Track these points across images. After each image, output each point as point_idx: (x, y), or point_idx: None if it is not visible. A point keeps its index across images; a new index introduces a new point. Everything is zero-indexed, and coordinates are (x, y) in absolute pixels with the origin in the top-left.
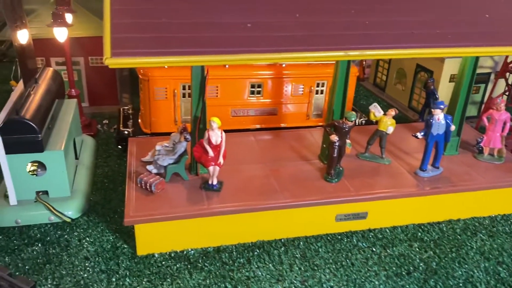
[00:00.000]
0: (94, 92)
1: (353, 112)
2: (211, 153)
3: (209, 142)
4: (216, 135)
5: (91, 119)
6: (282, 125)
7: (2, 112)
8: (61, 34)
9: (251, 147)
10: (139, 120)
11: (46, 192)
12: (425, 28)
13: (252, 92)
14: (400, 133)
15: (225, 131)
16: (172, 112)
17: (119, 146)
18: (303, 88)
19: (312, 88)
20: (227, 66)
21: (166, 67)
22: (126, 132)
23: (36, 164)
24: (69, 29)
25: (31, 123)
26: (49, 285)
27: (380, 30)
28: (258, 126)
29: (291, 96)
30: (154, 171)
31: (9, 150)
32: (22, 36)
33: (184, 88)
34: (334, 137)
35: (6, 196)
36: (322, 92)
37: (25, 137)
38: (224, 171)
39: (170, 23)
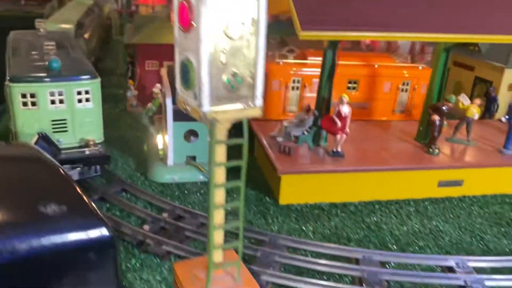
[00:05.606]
0: None
1: (453, 95)
2: (339, 123)
3: (338, 114)
4: (345, 108)
5: None
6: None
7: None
8: None
9: (356, 131)
10: None
11: (193, 157)
12: None
13: (349, 88)
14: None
15: None
16: (282, 101)
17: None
18: (390, 86)
19: (399, 86)
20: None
21: (281, 63)
22: None
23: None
24: None
25: None
26: None
27: None
28: None
29: (381, 93)
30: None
31: (175, 118)
32: None
33: (293, 81)
34: (436, 117)
35: (160, 159)
36: (406, 90)
37: None
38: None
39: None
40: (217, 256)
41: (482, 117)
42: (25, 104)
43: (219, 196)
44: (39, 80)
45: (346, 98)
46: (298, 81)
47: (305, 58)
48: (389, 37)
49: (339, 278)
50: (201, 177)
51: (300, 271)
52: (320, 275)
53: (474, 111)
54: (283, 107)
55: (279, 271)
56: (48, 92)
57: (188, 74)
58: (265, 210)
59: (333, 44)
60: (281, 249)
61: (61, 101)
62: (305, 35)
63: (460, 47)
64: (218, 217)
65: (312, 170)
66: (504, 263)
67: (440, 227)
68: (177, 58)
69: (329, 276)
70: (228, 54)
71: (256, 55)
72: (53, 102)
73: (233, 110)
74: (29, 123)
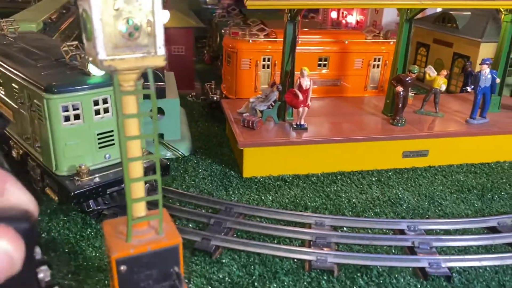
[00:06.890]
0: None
1: (416, 66)
2: (301, 96)
3: (300, 87)
4: (306, 81)
5: None
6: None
7: None
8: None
9: (325, 107)
10: (223, 89)
11: (161, 135)
12: None
13: (319, 65)
14: (446, 101)
15: None
16: (253, 80)
17: (211, 108)
18: (362, 62)
19: (370, 62)
20: (299, 41)
21: (250, 41)
22: (215, 98)
23: None
24: None
25: (159, 73)
26: (179, 190)
27: None
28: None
29: (352, 69)
30: None
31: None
32: None
33: (264, 60)
34: (399, 88)
35: None
36: (378, 66)
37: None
38: (306, 121)
39: None
40: (137, 210)
41: (459, 92)
42: (67, 119)
43: (133, 146)
44: (83, 87)
45: (307, 70)
46: (269, 59)
47: (276, 37)
48: (336, 4)
49: (289, 242)
50: (168, 154)
51: (252, 236)
52: (271, 239)
53: (441, 82)
54: (254, 85)
55: (230, 237)
56: (92, 101)
57: (86, 25)
58: (228, 183)
59: (293, 18)
60: (235, 217)
61: (105, 110)
62: (251, 4)
63: (439, 25)
64: (134, 169)
65: (273, 143)
66: (455, 225)
67: (400, 195)
68: (80, 12)
69: (280, 240)
70: (121, 0)
71: (152, 2)
72: (97, 112)
73: (133, 58)
74: (72, 142)
